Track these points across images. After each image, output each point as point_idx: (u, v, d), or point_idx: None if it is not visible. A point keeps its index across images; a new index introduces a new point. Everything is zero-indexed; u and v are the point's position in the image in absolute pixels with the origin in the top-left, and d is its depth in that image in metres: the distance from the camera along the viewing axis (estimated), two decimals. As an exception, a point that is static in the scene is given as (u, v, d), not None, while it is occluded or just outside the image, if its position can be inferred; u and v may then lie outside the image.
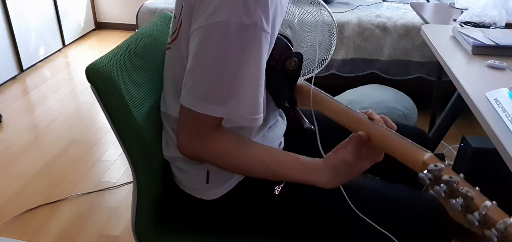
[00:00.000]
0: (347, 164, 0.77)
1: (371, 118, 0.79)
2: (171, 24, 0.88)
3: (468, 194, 0.55)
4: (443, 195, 0.58)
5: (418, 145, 0.70)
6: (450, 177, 0.58)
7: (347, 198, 0.83)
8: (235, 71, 0.70)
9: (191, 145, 0.78)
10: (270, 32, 0.72)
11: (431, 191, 0.61)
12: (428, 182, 0.61)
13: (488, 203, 0.54)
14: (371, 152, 0.78)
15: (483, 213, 0.53)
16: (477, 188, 0.57)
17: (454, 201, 0.56)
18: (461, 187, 0.56)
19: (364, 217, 0.82)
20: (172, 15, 0.88)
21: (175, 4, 0.83)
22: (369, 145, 0.77)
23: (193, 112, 0.73)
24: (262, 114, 0.76)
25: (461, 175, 0.60)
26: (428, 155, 0.67)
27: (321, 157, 0.82)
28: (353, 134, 0.80)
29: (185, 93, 0.74)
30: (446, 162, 1.82)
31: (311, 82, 0.94)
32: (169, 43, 0.86)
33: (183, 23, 0.77)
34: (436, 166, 0.61)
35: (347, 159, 0.77)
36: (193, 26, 0.72)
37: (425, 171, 0.62)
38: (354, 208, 0.83)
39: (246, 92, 0.72)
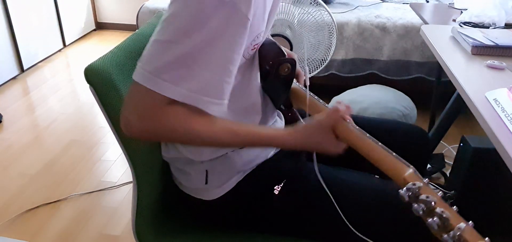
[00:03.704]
0: (318, 126, 0.78)
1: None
2: None
3: (444, 215, 0.57)
4: (421, 213, 0.60)
5: (401, 158, 0.70)
6: (427, 197, 0.60)
7: (337, 203, 0.83)
8: (201, 48, 0.63)
9: (141, 124, 0.68)
10: (250, 19, 0.66)
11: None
12: (407, 199, 0.62)
13: (462, 225, 0.55)
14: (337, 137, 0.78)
15: (457, 234, 0.54)
16: (455, 207, 0.59)
17: (431, 220, 0.58)
18: (437, 208, 0.58)
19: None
20: None
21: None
22: (338, 131, 0.78)
23: (143, 88, 0.64)
24: (226, 101, 0.69)
25: (440, 193, 0.61)
26: (409, 171, 0.67)
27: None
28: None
29: (138, 65, 0.65)
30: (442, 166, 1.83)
31: (307, 83, 0.95)
32: None
33: None
34: (414, 184, 0.62)
35: (320, 119, 0.78)
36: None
37: (405, 188, 0.62)
38: (347, 219, 0.83)
39: (208, 75, 0.65)
